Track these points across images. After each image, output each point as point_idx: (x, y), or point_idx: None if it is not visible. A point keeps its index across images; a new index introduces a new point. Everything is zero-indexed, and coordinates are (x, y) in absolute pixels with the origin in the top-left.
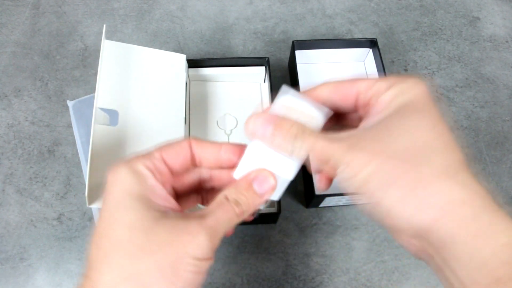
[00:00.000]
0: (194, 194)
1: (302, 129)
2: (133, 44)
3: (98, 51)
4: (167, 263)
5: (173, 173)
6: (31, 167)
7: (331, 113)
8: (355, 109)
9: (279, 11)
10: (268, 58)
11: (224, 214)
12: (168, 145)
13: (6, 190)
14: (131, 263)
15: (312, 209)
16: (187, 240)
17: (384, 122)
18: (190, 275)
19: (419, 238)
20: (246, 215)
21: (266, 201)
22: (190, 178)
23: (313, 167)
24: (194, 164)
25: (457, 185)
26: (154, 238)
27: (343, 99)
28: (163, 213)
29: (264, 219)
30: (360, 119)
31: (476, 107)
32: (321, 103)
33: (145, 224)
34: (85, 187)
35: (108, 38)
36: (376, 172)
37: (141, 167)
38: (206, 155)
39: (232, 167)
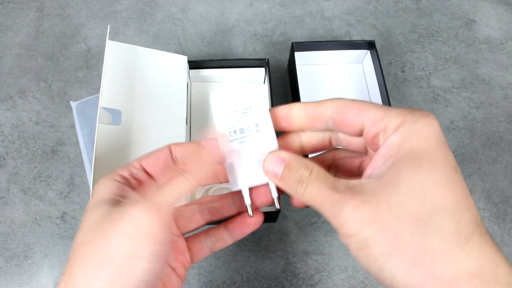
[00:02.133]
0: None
1: (309, 172)
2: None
3: (101, 52)
4: (106, 254)
5: (155, 178)
6: (35, 166)
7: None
8: (359, 136)
9: (279, 13)
10: (268, 59)
11: (168, 182)
12: (148, 153)
13: (10, 189)
14: (81, 262)
15: (311, 208)
16: (120, 218)
17: (391, 173)
18: (136, 262)
19: None
20: (199, 175)
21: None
22: None
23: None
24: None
25: (466, 255)
26: (100, 225)
27: (348, 125)
28: (118, 205)
29: (264, 218)
30: (364, 147)
31: (472, 107)
32: (324, 121)
33: (98, 219)
34: (88, 186)
35: (110, 40)
36: (379, 235)
37: (115, 176)
38: (186, 154)
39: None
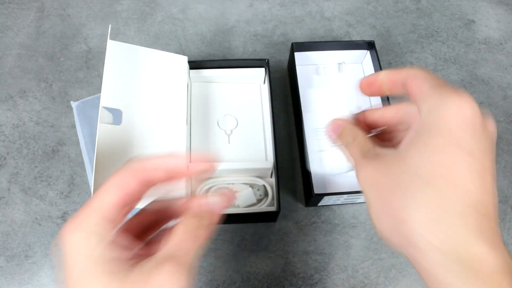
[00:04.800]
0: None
1: (353, 139)
2: None
3: (101, 53)
4: None
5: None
6: (35, 166)
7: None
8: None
9: (279, 13)
10: (268, 59)
11: (193, 244)
12: (115, 190)
13: (11, 189)
14: None
15: (311, 208)
16: (163, 280)
17: (404, 149)
18: None
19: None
20: (211, 234)
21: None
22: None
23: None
24: (148, 185)
25: (437, 229)
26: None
27: (410, 95)
28: (130, 268)
29: (264, 218)
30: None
31: None
32: (401, 84)
33: (118, 280)
34: (88, 186)
35: (111, 39)
36: (374, 198)
37: (94, 227)
38: (155, 174)
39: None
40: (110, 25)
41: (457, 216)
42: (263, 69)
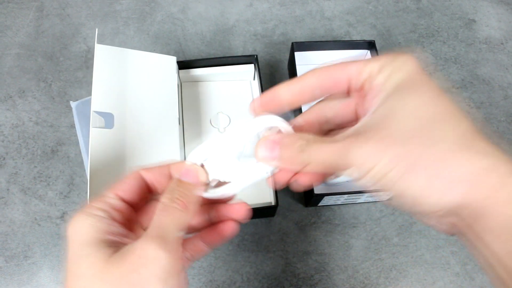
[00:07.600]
0: None
1: (306, 140)
2: (135, 46)
3: None
4: None
5: (134, 206)
6: (35, 166)
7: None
8: (348, 94)
9: (279, 13)
10: (257, 55)
11: (166, 216)
12: (120, 181)
13: (10, 189)
14: None
15: (311, 208)
16: (142, 263)
17: (384, 106)
18: None
19: (450, 216)
20: (193, 206)
21: (206, 185)
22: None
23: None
24: (151, 191)
25: (477, 154)
26: (107, 277)
27: (334, 86)
28: (115, 249)
29: (262, 213)
30: (352, 114)
31: (472, 107)
32: (311, 91)
33: (97, 268)
34: (88, 186)
35: (110, 40)
36: (391, 163)
37: (94, 211)
38: (158, 178)
39: None
40: (96, 29)
41: (479, 140)
42: (252, 65)
